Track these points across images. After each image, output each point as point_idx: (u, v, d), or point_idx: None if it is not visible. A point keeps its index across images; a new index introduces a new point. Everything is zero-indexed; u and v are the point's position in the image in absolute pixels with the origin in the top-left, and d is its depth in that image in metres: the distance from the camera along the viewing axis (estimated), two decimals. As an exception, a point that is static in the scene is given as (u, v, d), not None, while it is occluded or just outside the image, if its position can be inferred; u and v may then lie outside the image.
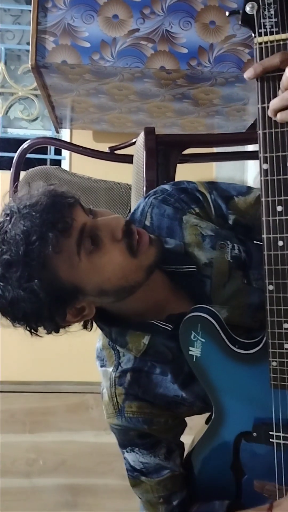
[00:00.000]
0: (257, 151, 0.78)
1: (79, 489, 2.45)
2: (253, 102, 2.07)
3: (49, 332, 0.84)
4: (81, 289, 0.82)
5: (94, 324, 0.93)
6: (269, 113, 0.74)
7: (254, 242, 0.98)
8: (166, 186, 0.99)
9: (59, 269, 0.78)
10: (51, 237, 0.75)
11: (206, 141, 1.93)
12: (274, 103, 0.72)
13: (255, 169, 2.58)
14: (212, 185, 0.98)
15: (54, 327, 0.83)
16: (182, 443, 0.99)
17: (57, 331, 0.85)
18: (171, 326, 0.89)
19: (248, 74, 0.74)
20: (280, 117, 0.73)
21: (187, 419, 1.00)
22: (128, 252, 0.82)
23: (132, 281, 0.84)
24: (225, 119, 2.29)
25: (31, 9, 1.68)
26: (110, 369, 0.94)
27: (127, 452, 0.95)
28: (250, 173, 2.66)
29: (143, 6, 1.69)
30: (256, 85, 0.75)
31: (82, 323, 0.90)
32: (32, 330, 0.83)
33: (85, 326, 0.91)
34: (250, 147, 2.26)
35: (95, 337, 0.97)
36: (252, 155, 2.22)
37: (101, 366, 0.96)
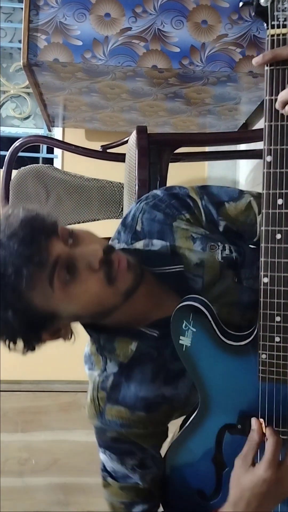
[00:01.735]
0: (248, 151, 0.78)
1: (71, 488, 2.45)
2: (245, 102, 2.08)
3: (25, 352, 0.85)
4: (57, 315, 0.83)
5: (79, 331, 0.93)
6: (277, 105, 0.73)
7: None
8: (158, 192, 0.99)
9: (33, 300, 0.79)
10: (26, 273, 0.75)
11: (198, 140, 1.93)
12: (283, 95, 0.72)
13: (247, 168, 2.58)
14: (204, 190, 0.98)
15: (30, 348, 0.85)
16: (160, 462, 0.97)
17: (33, 350, 0.85)
18: (157, 333, 0.90)
19: (257, 59, 0.74)
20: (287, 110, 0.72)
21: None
22: (105, 280, 0.82)
23: (109, 305, 0.86)
24: (217, 118, 2.30)
25: (23, 7, 1.68)
26: (96, 373, 0.95)
27: (101, 452, 0.96)
28: (242, 172, 2.67)
29: (135, 4, 1.69)
30: (265, 77, 0.74)
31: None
32: (10, 346, 0.83)
33: (64, 339, 0.91)
34: (242, 146, 2.26)
35: (86, 336, 0.97)
36: (244, 154, 2.23)
37: (89, 369, 0.97)
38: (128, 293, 0.85)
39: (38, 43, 1.69)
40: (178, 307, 0.84)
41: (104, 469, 0.97)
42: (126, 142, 1.93)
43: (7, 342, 0.82)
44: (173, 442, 0.95)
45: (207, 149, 2.41)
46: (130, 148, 1.78)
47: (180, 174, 2.76)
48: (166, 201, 0.96)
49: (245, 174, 2.62)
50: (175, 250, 0.93)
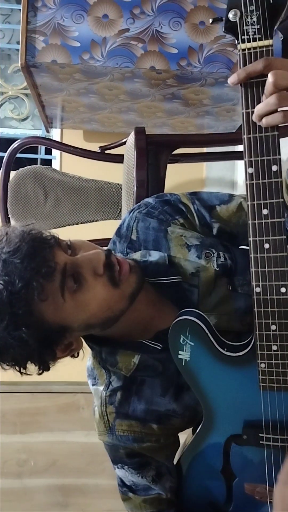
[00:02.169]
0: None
1: (70, 489, 2.45)
2: (243, 103, 2.08)
3: (40, 372, 0.85)
4: (68, 327, 0.83)
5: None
6: (254, 118, 0.74)
7: (240, 247, 0.99)
8: (149, 199, 1.00)
9: (45, 314, 0.79)
10: (36, 285, 0.75)
11: (196, 141, 1.93)
12: (259, 108, 0.73)
13: (245, 169, 2.58)
14: (195, 196, 1.00)
15: (45, 366, 0.85)
16: (175, 472, 0.97)
17: (48, 369, 0.85)
18: (161, 346, 0.90)
19: (231, 80, 0.75)
20: (265, 121, 0.73)
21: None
22: (110, 284, 0.83)
23: (117, 310, 0.86)
24: (215, 119, 2.30)
25: (21, 8, 1.68)
26: (101, 388, 0.94)
27: (118, 468, 0.95)
28: (240, 173, 2.67)
29: (133, 6, 1.69)
30: (240, 90, 0.75)
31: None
32: (22, 370, 0.83)
33: (72, 356, 0.91)
34: (240, 147, 2.26)
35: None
36: (242, 155, 2.23)
37: (93, 385, 0.97)
38: (133, 295, 0.86)
39: (36, 45, 1.69)
40: (174, 322, 0.85)
41: (123, 484, 0.96)
42: (124, 143, 1.93)
43: (22, 362, 0.82)
44: (181, 456, 0.95)
45: (205, 150, 2.41)
46: (128, 149, 1.79)
47: (178, 175, 2.76)
48: (158, 208, 0.97)
49: (243, 175, 2.61)
50: (171, 260, 0.93)
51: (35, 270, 0.75)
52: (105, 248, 0.87)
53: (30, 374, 0.85)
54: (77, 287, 0.80)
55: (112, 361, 0.92)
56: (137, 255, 0.95)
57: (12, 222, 2.07)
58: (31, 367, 0.84)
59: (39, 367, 0.84)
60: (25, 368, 0.83)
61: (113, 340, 0.92)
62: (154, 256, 0.94)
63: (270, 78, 0.70)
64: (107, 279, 0.82)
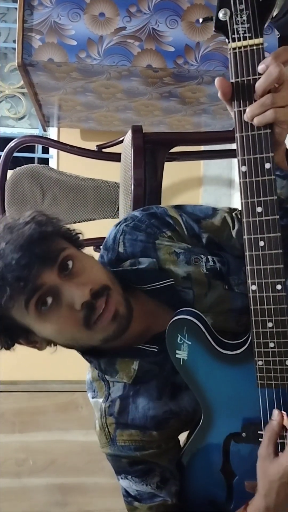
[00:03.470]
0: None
1: (69, 488, 2.45)
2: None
3: None
4: (33, 332, 0.85)
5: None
6: (246, 117, 0.74)
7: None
8: (136, 213, 1.00)
9: (11, 312, 0.81)
10: (8, 292, 0.78)
11: (193, 139, 1.94)
12: (253, 109, 0.72)
13: (243, 167, 2.58)
14: (181, 209, 1.00)
15: (5, 348, 0.87)
16: (177, 474, 0.97)
17: (7, 350, 0.88)
18: (157, 348, 0.90)
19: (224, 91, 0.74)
20: (257, 121, 0.73)
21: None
22: (82, 323, 0.82)
23: (84, 344, 0.87)
24: (212, 118, 2.30)
25: (17, 7, 1.67)
26: (101, 400, 0.95)
27: (121, 478, 0.95)
28: (237, 171, 2.67)
29: (130, 4, 1.69)
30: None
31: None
32: None
33: (39, 349, 0.92)
34: (237, 145, 2.26)
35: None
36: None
37: (93, 398, 0.97)
38: (106, 341, 0.86)
39: (32, 43, 1.69)
40: (171, 321, 0.85)
41: (127, 494, 0.96)
42: (122, 141, 1.93)
43: None
44: (181, 455, 0.95)
45: (202, 148, 2.41)
46: (126, 148, 1.78)
47: (175, 173, 2.77)
48: (145, 221, 0.97)
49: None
50: (161, 266, 0.93)
51: (15, 279, 0.78)
52: (106, 284, 0.84)
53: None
54: (50, 307, 0.81)
55: (112, 371, 0.92)
56: (126, 264, 0.95)
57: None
58: None
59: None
60: None
61: (110, 350, 0.92)
62: (144, 262, 0.94)
63: (261, 79, 0.71)
64: (81, 316, 0.81)
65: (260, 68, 0.72)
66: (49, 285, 0.80)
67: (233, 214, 1.00)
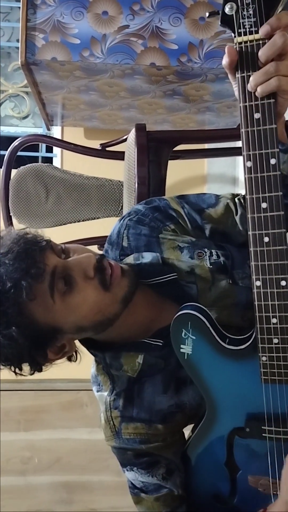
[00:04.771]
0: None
1: (74, 486, 2.46)
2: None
3: (32, 373, 0.86)
4: (59, 329, 0.84)
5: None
6: (249, 87, 0.73)
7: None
8: (139, 206, 1.00)
9: (35, 314, 0.80)
10: (25, 285, 0.77)
11: (197, 137, 1.93)
12: (256, 77, 0.72)
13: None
14: (183, 199, 1.00)
15: (37, 367, 0.86)
16: (182, 466, 0.98)
17: (40, 371, 0.87)
18: (162, 342, 0.90)
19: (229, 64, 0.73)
20: (260, 90, 0.72)
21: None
22: (101, 287, 0.84)
23: (109, 314, 0.87)
24: (216, 115, 2.30)
25: (21, 6, 1.68)
26: (106, 394, 0.95)
27: (127, 470, 0.96)
28: (242, 169, 2.66)
29: (133, 2, 1.69)
30: (237, 84, 0.75)
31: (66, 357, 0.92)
32: (17, 371, 0.85)
33: (69, 359, 0.93)
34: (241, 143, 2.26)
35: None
36: (243, 151, 2.22)
37: (98, 391, 0.98)
38: (126, 300, 0.87)
39: (36, 42, 1.69)
40: (175, 316, 0.85)
41: (134, 486, 0.97)
42: (125, 140, 1.93)
43: (14, 362, 0.84)
44: (185, 450, 0.96)
45: (206, 146, 2.41)
46: (129, 146, 1.78)
47: (179, 172, 2.76)
48: (149, 215, 0.97)
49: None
50: (165, 261, 0.94)
51: (24, 270, 0.78)
52: (100, 252, 0.89)
53: (24, 375, 0.86)
54: (67, 289, 0.81)
55: (117, 365, 0.92)
56: (130, 259, 0.95)
57: (14, 220, 2.07)
58: (26, 368, 0.86)
59: (30, 367, 0.85)
60: (20, 369, 0.85)
61: (115, 344, 0.93)
62: (147, 257, 0.94)
63: (268, 44, 0.70)
64: (98, 282, 0.84)
65: (263, 31, 0.71)
66: (60, 265, 0.82)
67: (236, 199, 1.00)
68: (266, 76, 0.71)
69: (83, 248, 0.88)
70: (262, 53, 0.71)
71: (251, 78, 0.72)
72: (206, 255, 0.93)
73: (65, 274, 0.82)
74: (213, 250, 0.94)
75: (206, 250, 0.94)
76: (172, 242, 0.95)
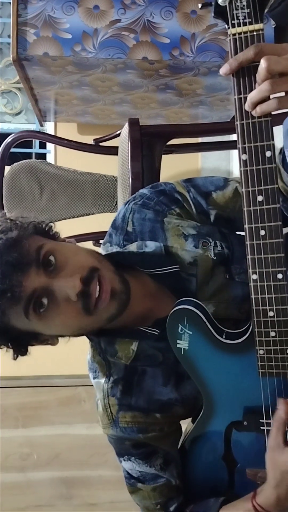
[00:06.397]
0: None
1: (74, 481, 2.46)
2: (237, 91, 2.07)
3: (15, 358, 0.87)
4: (39, 334, 0.85)
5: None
6: (247, 107, 0.72)
7: (237, 233, 0.98)
8: (144, 190, 0.99)
9: (13, 322, 0.81)
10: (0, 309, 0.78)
11: (190, 131, 1.93)
12: (253, 96, 0.71)
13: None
14: (190, 183, 0.98)
15: (21, 354, 0.87)
16: (179, 457, 0.98)
17: (24, 355, 0.88)
18: (158, 330, 0.90)
19: (223, 70, 0.73)
20: (259, 110, 0.71)
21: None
22: (83, 312, 0.81)
23: (91, 330, 0.87)
24: (209, 109, 2.29)
25: (11, 1, 1.66)
26: (103, 381, 0.95)
27: (124, 460, 0.96)
28: (236, 162, 2.67)
29: (124, -4, 1.68)
30: (231, 77, 0.74)
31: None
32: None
33: (53, 344, 0.92)
34: (235, 137, 2.26)
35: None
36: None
37: (94, 378, 0.97)
38: (111, 319, 0.85)
39: (27, 37, 1.68)
40: (171, 312, 0.85)
41: (130, 476, 0.96)
42: (119, 135, 1.92)
43: None
44: (183, 443, 0.96)
45: (200, 140, 2.40)
46: (123, 141, 1.78)
47: (173, 166, 2.75)
48: (154, 198, 0.97)
49: (238, 164, 2.61)
50: (168, 250, 0.93)
51: (0, 292, 0.77)
52: (96, 248, 0.87)
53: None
54: (46, 310, 0.80)
55: (112, 351, 0.92)
56: (133, 247, 0.95)
57: (8, 217, 2.06)
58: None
59: (13, 354, 0.87)
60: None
61: (111, 330, 0.92)
62: (150, 246, 0.93)
63: (263, 63, 0.69)
64: (80, 306, 0.80)
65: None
66: (40, 287, 0.79)
67: None
68: (261, 94, 0.71)
69: (76, 258, 0.84)
70: (258, 76, 0.71)
71: (248, 97, 0.72)
72: (210, 245, 0.93)
73: (47, 294, 0.79)
74: (217, 241, 0.93)
75: (210, 240, 0.93)
76: (176, 229, 0.94)
